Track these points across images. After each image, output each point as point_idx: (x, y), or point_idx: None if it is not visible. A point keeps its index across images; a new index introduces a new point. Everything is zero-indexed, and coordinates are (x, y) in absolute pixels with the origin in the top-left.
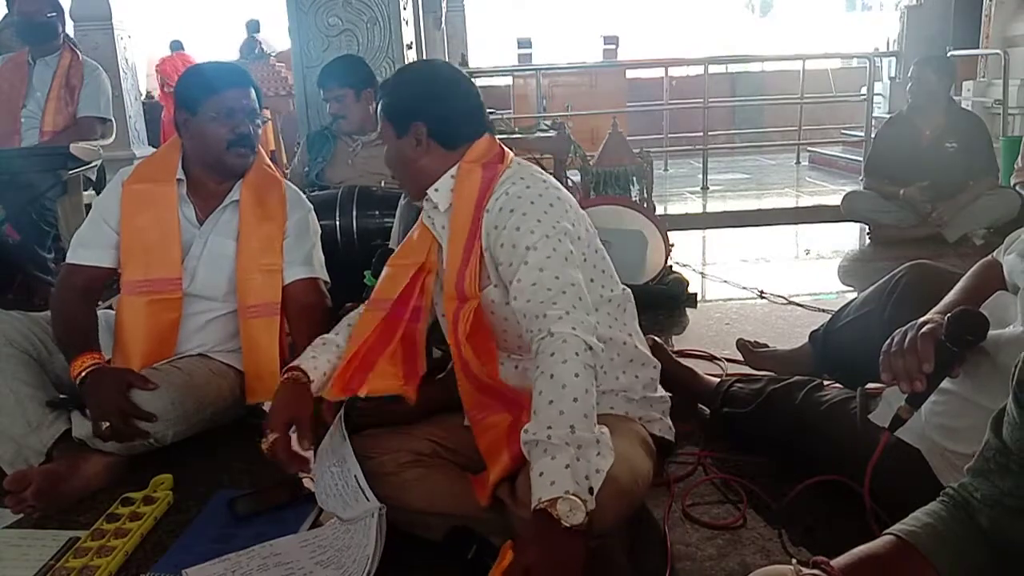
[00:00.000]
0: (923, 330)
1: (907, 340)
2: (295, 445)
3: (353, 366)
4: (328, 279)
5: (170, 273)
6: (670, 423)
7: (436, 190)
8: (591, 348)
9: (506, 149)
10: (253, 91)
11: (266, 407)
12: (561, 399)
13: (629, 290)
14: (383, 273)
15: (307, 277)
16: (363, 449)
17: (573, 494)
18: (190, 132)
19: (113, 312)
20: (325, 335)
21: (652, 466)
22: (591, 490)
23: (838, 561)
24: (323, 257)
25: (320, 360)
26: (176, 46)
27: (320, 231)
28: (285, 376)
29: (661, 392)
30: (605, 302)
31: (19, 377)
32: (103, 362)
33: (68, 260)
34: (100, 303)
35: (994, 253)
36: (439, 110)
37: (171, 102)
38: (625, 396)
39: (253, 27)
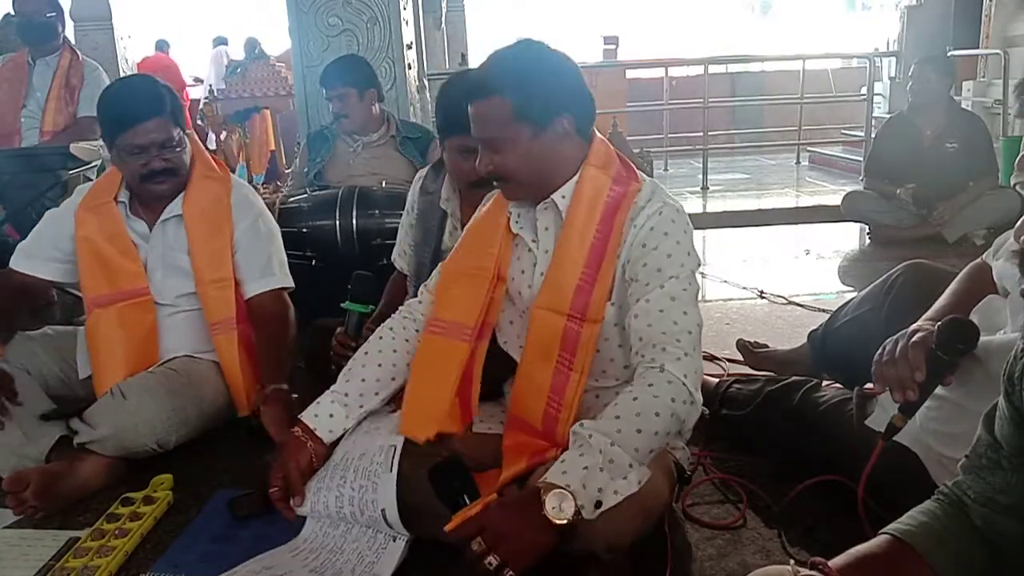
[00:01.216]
0: (914, 339)
1: (898, 349)
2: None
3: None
4: (291, 283)
5: (135, 283)
6: (689, 453)
7: (563, 196)
8: (693, 402)
9: (629, 161)
10: (167, 117)
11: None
12: (627, 420)
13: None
14: (442, 286)
15: (266, 291)
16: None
17: (572, 492)
18: (114, 160)
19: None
20: (354, 372)
21: (671, 491)
22: (598, 504)
23: (835, 561)
24: (284, 257)
25: (337, 419)
26: (161, 45)
27: (277, 231)
28: (293, 430)
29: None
30: None
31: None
32: None
33: (10, 264)
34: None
35: (984, 256)
36: (580, 96)
37: None
38: None
39: (220, 42)
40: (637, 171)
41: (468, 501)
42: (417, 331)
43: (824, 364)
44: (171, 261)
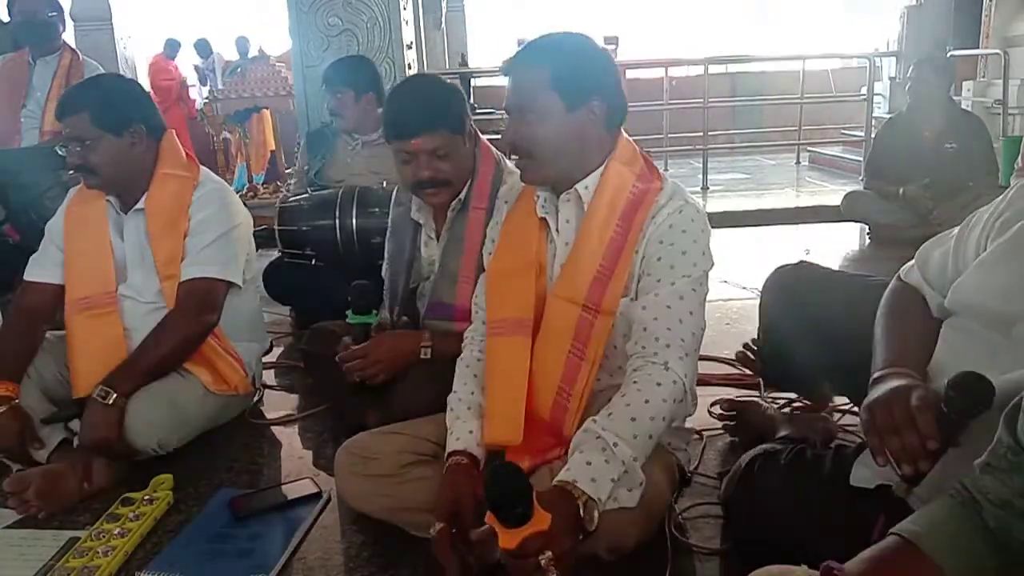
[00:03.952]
0: (915, 402)
1: (897, 415)
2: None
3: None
4: (230, 278)
5: (104, 287)
6: (690, 455)
7: (586, 187)
8: (686, 402)
9: (651, 160)
10: (80, 117)
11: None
12: (642, 426)
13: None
14: (492, 288)
15: (185, 279)
16: (365, 449)
17: (599, 502)
18: None
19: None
20: (459, 395)
21: (672, 491)
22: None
23: (849, 566)
24: (232, 252)
25: (469, 425)
26: (170, 44)
27: (234, 226)
28: (449, 463)
29: (690, 425)
30: None
31: None
32: (16, 397)
33: (24, 276)
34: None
35: (903, 275)
36: (616, 86)
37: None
38: None
39: (202, 45)
40: (660, 171)
41: (526, 515)
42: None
43: (772, 379)
44: (147, 258)
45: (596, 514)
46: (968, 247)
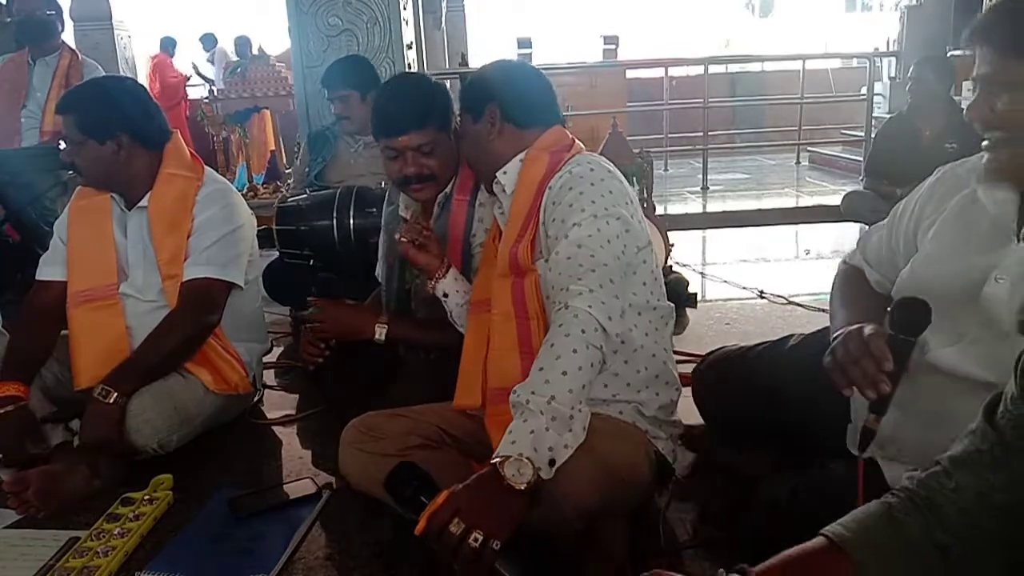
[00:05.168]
0: (867, 332)
1: (853, 347)
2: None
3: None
4: (232, 279)
5: (106, 280)
6: (675, 448)
7: (505, 173)
8: (603, 329)
9: (577, 141)
10: (69, 117)
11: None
12: (551, 369)
13: (674, 307)
14: (479, 271)
15: (188, 279)
16: (372, 428)
17: (527, 458)
18: None
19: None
20: None
21: (647, 471)
22: (552, 462)
23: (762, 565)
24: (234, 253)
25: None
26: (167, 42)
27: (238, 226)
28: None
29: (676, 419)
30: (650, 309)
31: None
32: (24, 398)
33: (36, 276)
34: None
35: (848, 259)
36: (511, 90)
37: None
38: (637, 408)
39: (210, 41)
40: (579, 144)
41: (428, 501)
42: None
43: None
44: (149, 256)
45: (530, 469)
46: (900, 228)
